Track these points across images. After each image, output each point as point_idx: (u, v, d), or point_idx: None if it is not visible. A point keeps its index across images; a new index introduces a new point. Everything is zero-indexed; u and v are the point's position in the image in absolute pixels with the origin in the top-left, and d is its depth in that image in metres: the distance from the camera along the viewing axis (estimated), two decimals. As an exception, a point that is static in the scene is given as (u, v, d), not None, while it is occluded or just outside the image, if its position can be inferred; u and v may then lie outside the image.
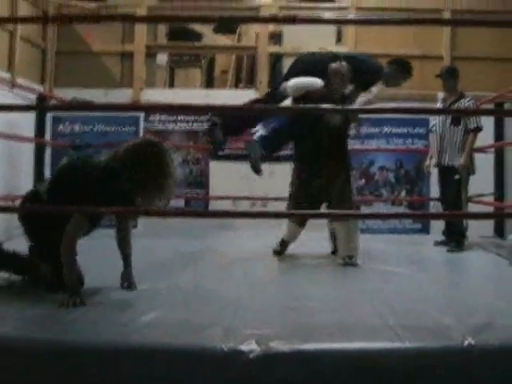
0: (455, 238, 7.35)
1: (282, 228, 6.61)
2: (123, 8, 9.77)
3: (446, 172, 7.55)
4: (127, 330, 3.38)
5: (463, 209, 7.41)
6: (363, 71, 6.50)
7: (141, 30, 9.62)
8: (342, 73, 6.30)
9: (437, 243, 7.61)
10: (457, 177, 7.37)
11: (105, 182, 4.19)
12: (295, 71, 6.70)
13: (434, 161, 7.73)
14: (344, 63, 6.38)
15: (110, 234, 4.69)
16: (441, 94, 7.90)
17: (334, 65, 6.34)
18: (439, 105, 7.74)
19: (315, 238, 6.93)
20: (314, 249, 6.83)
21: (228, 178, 9.13)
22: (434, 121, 7.77)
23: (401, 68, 6.99)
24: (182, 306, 4.07)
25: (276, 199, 8.05)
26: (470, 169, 7.46)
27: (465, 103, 7.43)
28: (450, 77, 7.60)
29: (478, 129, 7.42)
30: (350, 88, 6.42)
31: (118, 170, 4.25)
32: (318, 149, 6.29)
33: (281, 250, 6.55)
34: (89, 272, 4.38)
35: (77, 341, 3.22)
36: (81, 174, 4.34)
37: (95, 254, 5.31)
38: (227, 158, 9.31)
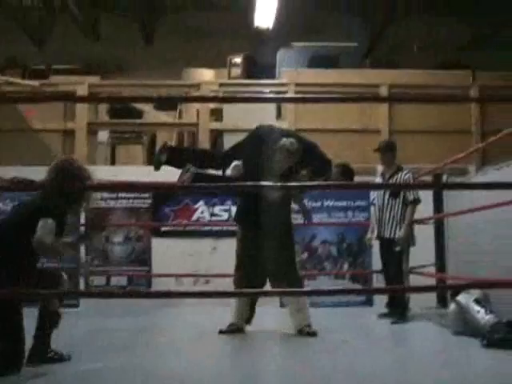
0: (398, 310, 7.39)
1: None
2: (65, 86, 9.79)
3: (387, 244, 7.62)
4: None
5: (405, 280, 7.47)
6: (313, 157, 6.50)
7: (82, 107, 9.61)
8: (287, 149, 6.30)
9: (381, 316, 7.63)
10: (397, 249, 7.44)
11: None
12: (244, 143, 6.70)
13: (375, 233, 7.81)
14: (294, 141, 6.38)
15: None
16: (380, 168, 8.02)
17: (283, 141, 6.35)
18: (378, 179, 7.85)
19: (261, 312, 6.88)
20: (261, 323, 6.76)
21: (170, 255, 9.06)
22: (375, 194, 7.88)
23: (345, 173, 7.03)
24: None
25: (219, 275, 8.03)
26: (410, 240, 7.55)
27: (403, 176, 7.54)
28: (387, 151, 7.73)
29: (417, 201, 7.53)
30: (303, 173, 6.37)
31: (50, 198, 4.63)
32: (259, 220, 6.25)
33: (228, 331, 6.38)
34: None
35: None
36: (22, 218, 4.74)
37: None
38: (169, 234, 9.27)
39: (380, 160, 7.81)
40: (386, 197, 7.58)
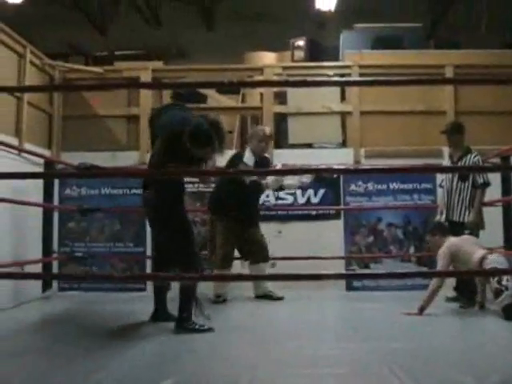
0: (467, 294, 7.30)
1: None
2: (128, 72, 9.85)
3: (455, 228, 7.51)
4: None
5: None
6: None
7: (146, 93, 9.64)
8: None
9: (448, 299, 7.55)
10: (467, 232, 7.35)
11: None
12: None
13: (443, 216, 7.72)
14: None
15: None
16: (446, 150, 7.92)
17: None
18: (446, 161, 7.76)
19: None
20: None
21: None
22: (443, 176, 7.78)
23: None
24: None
25: (286, 258, 8.07)
26: (479, 224, 7.45)
27: (472, 159, 7.44)
28: (455, 132, 7.64)
29: (486, 184, 7.44)
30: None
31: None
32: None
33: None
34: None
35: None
36: None
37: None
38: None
39: (448, 142, 7.72)
40: (455, 179, 7.48)
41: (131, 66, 10.14)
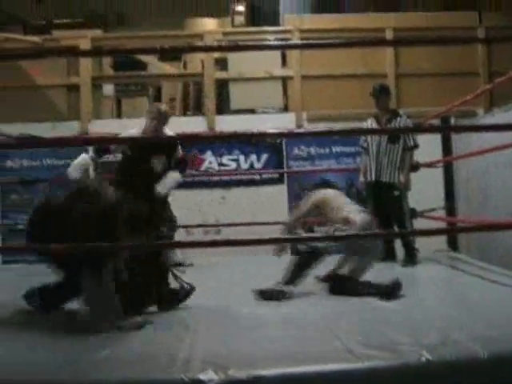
0: (407, 253, 7.40)
1: None
2: (66, 40, 9.70)
3: (385, 189, 7.60)
4: (82, 367, 3.32)
5: (407, 224, 7.47)
6: None
7: (86, 61, 9.51)
8: None
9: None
10: (396, 193, 7.46)
11: None
12: None
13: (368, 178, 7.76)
14: None
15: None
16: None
17: None
18: (370, 122, 7.72)
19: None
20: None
21: (180, 206, 9.01)
22: (365, 137, 7.81)
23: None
24: (137, 339, 4.01)
25: (230, 225, 8.05)
26: (408, 185, 7.59)
27: (404, 121, 7.52)
28: (384, 94, 7.68)
29: (416, 146, 7.56)
30: None
31: None
32: None
33: None
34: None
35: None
36: None
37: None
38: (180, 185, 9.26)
39: (375, 104, 7.72)
40: (384, 142, 7.53)
41: (70, 35, 9.98)
